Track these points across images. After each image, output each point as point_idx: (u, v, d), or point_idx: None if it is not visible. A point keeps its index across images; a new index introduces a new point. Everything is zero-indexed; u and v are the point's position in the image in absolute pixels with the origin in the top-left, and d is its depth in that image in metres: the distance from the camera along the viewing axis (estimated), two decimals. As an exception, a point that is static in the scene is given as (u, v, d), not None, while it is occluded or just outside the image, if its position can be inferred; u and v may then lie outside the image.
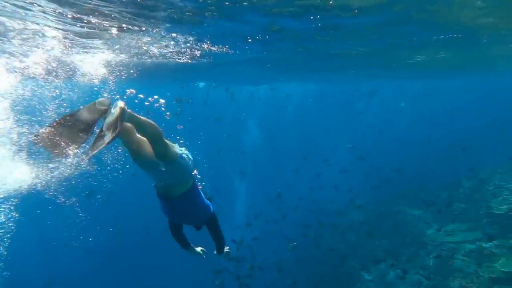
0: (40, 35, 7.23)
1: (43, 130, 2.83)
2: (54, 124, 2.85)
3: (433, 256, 11.93)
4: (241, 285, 12.22)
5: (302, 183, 19.87)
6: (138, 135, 3.45)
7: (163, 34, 7.09)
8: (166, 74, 16.30)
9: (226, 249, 4.68)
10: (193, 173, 3.96)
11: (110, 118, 2.88)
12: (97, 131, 2.98)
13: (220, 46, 8.81)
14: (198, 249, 4.72)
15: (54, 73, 10.53)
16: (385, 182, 18.69)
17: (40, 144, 2.78)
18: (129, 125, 3.24)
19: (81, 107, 2.93)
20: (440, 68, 18.57)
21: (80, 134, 2.80)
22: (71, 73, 10.88)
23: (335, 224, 16.22)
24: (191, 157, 3.89)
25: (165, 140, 3.44)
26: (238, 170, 22.00)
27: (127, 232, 19.56)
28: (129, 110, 3.00)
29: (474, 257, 10.67)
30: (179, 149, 3.71)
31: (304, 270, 14.01)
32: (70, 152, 2.76)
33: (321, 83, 26.99)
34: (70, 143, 2.78)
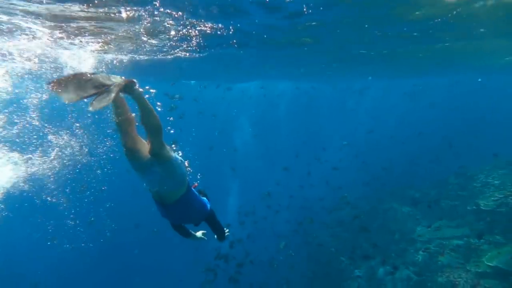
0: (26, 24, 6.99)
1: (60, 78, 3.12)
2: (72, 75, 3.14)
3: (421, 252, 12.13)
4: (231, 280, 12.17)
5: (293, 180, 19.94)
6: (136, 134, 3.53)
7: (160, 10, 6.91)
8: (159, 72, 16.15)
9: (226, 232, 4.73)
10: (186, 178, 3.92)
11: (120, 81, 3.20)
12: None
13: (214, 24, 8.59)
14: (199, 233, 4.81)
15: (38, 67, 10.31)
16: (375, 180, 18.89)
17: (54, 88, 3.07)
18: (132, 114, 3.43)
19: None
20: (430, 66, 18.87)
21: (91, 89, 3.11)
22: (58, 69, 10.66)
23: (326, 221, 16.33)
24: (184, 162, 3.89)
25: (162, 138, 3.46)
26: (229, 168, 21.94)
27: (117, 231, 19.35)
28: (141, 89, 3.26)
29: (462, 252, 10.88)
30: (173, 153, 3.72)
31: (296, 267, 14.05)
32: (78, 98, 3.08)
33: (311, 82, 27.13)
34: (80, 93, 3.10)
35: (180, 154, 4.65)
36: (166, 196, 3.76)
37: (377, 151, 23.89)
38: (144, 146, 3.50)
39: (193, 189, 4.11)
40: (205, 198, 4.35)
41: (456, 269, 10.13)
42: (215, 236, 4.65)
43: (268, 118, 38.37)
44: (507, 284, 8.74)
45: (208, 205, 4.29)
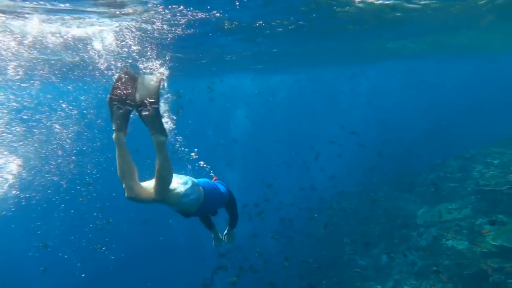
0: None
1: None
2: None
3: (425, 236, 12.10)
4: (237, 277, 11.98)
5: (292, 173, 19.84)
6: (139, 184, 3.49)
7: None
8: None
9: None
10: (202, 194, 3.91)
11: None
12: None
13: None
14: (220, 235, 4.88)
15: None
16: (374, 168, 18.83)
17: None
18: (134, 165, 3.47)
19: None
20: (424, 49, 18.79)
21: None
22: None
23: (327, 212, 16.22)
24: (193, 183, 3.81)
25: (169, 188, 3.48)
26: (229, 162, 21.76)
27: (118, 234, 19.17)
28: (165, 140, 3.41)
29: (466, 234, 10.85)
30: (178, 188, 3.63)
31: (299, 260, 13.94)
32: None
33: (301, 74, 26.99)
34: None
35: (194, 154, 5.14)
36: (186, 211, 3.85)
37: (375, 138, 23.79)
38: (148, 192, 3.49)
39: (209, 185, 4.11)
40: (221, 185, 4.38)
41: (461, 251, 10.09)
42: (228, 220, 4.69)
43: (265, 112, 38.14)
44: (513, 262, 8.73)
45: (227, 192, 4.37)
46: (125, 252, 19.80)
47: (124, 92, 3.36)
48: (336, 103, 38.66)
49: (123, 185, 3.41)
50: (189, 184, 3.71)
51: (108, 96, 3.38)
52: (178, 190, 3.57)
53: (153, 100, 3.26)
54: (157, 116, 3.33)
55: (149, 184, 3.53)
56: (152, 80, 3.35)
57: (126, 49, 9.43)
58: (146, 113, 3.27)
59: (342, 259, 13.32)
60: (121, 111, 3.35)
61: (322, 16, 9.44)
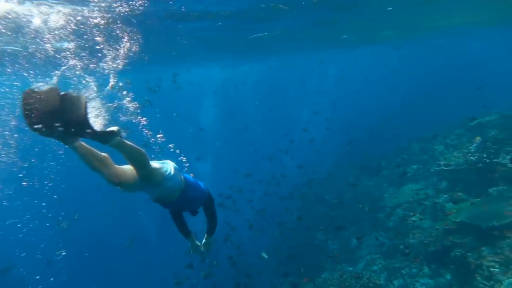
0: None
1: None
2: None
3: (392, 218, 12.60)
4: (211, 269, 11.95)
5: (263, 162, 19.87)
6: (116, 168, 3.28)
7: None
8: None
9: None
10: (182, 181, 3.94)
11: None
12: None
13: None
14: (198, 242, 4.75)
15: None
16: (344, 153, 19.26)
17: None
18: (104, 154, 3.19)
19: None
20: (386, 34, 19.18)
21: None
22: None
23: (299, 200, 16.45)
24: (176, 168, 3.86)
25: (150, 166, 3.43)
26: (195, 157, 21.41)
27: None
28: (119, 139, 3.05)
29: (429, 213, 11.40)
30: (164, 167, 3.70)
31: (272, 252, 14.10)
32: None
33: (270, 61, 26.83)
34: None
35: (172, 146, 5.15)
36: (167, 197, 3.83)
37: (341, 124, 24.27)
38: (130, 173, 3.38)
39: (189, 177, 4.11)
40: (200, 182, 4.36)
41: (426, 229, 10.59)
42: (207, 226, 4.57)
43: (234, 101, 37.77)
44: (472, 236, 9.26)
45: (205, 189, 4.34)
46: (96, 247, 19.22)
47: (44, 113, 2.59)
48: (304, 89, 38.98)
49: (103, 176, 3.21)
50: (172, 168, 3.76)
51: (25, 119, 2.61)
52: (162, 170, 3.63)
53: (89, 131, 2.80)
54: (97, 133, 2.89)
55: (130, 166, 3.41)
56: (75, 102, 2.65)
57: (82, 26, 8.84)
58: (85, 136, 2.86)
59: (314, 244, 13.60)
60: (56, 134, 2.72)
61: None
